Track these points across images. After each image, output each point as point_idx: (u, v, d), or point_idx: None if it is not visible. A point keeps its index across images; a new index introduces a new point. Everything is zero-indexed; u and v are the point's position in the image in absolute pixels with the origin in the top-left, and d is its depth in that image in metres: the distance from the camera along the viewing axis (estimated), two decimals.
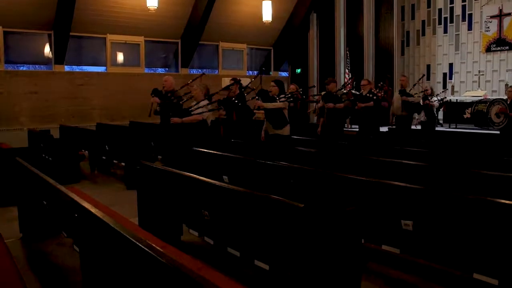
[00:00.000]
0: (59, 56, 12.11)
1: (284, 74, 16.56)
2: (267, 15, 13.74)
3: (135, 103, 12.24)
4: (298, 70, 16.12)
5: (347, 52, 14.73)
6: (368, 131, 8.53)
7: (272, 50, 16.10)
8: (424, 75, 13.05)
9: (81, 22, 12.04)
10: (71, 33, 12.06)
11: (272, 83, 7.31)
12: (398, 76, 12.95)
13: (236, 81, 7.67)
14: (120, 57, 13.33)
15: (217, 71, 14.80)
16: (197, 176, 3.82)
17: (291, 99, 7.35)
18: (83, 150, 8.82)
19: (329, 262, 2.89)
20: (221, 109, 6.92)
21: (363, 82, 9.12)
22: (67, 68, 12.48)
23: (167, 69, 14.37)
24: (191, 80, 7.44)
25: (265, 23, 13.84)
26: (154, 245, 1.96)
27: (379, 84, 9.63)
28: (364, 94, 8.80)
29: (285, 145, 6.77)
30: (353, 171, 4.47)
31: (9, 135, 10.66)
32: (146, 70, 13.44)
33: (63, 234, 3.99)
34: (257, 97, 7.23)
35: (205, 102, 6.53)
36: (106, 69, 12.89)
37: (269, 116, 7.07)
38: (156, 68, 14.28)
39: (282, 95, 7.10)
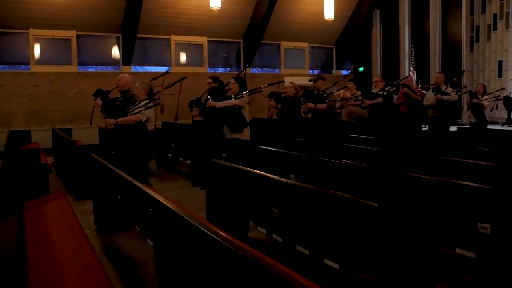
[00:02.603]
0: (127, 57, 12.59)
1: (346, 72, 16.32)
2: (329, 13, 13.61)
3: None
4: (361, 69, 15.86)
5: (412, 49, 14.30)
6: (381, 130, 7.82)
7: (334, 49, 15.92)
8: (461, 74, 12.11)
9: (147, 24, 12.46)
10: (137, 35, 12.50)
11: (232, 80, 6.51)
12: (469, 75, 12.40)
13: (214, 79, 7.20)
14: (183, 57, 13.65)
15: (278, 70, 14.82)
16: (267, 174, 3.83)
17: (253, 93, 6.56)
18: None
19: (402, 264, 2.80)
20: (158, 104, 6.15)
21: (375, 79, 8.61)
22: (133, 68, 12.93)
23: (228, 68, 14.55)
24: (150, 79, 6.92)
25: (327, 21, 13.71)
26: (233, 240, 1.98)
27: (397, 81, 9.06)
28: (375, 92, 8.26)
29: (245, 151, 6.03)
30: (418, 170, 4.31)
31: (81, 132, 11.21)
32: (208, 70, 13.68)
33: (136, 228, 4.12)
34: (209, 97, 6.59)
35: (145, 101, 5.82)
36: (170, 69, 13.22)
37: (225, 117, 6.32)
38: (217, 68, 14.49)
39: (240, 94, 6.30)
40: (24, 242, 3.43)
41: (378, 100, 8.09)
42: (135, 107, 5.68)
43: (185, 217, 2.34)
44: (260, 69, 14.99)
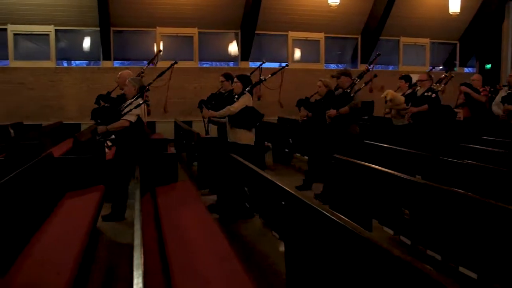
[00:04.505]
0: (245, 53, 12.93)
1: (470, 70, 15.24)
2: (454, 6, 12.75)
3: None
4: (488, 66, 14.68)
5: None
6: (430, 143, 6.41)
7: (458, 44, 14.92)
8: None
9: (265, 21, 12.68)
10: (256, 31, 12.77)
11: (235, 79, 5.89)
12: None
13: (227, 77, 6.65)
14: (299, 53, 13.69)
15: (397, 67, 14.27)
16: (399, 174, 3.69)
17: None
18: (266, 142, 9.25)
19: None
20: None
21: (420, 77, 7.06)
22: (251, 64, 13.25)
23: (344, 65, 14.32)
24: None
25: (451, 15, 12.88)
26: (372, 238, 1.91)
27: (444, 75, 7.46)
28: (419, 94, 6.92)
29: (246, 156, 5.24)
30: None
31: (200, 125, 11.72)
32: (325, 66, 13.58)
33: (260, 220, 4.20)
34: (208, 106, 6.04)
35: (134, 99, 5.30)
36: (287, 65, 13.32)
37: (231, 118, 5.64)
38: (330, 64, 14.30)
39: (242, 93, 5.67)
40: (160, 225, 3.65)
41: (423, 108, 6.80)
42: (125, 105, 5.30)
43: (328, 214, 2.32)
44: (378, 66, 14.51)
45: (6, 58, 11.89)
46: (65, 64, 12.60)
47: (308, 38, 13.49)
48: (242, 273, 2.55)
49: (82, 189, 5.02)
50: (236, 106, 5.54)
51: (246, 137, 5.60)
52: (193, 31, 12.78)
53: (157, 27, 12.53)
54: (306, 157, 7.62)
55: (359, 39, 13.88)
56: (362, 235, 2.00)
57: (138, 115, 5.22)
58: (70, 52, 12.62)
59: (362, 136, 6.41)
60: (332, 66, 14.32)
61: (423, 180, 4.89)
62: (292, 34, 13.28)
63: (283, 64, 13.30)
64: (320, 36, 13.45)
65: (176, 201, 4.47)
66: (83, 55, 12.74)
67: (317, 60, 13.55)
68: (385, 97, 7.56)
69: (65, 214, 4.10)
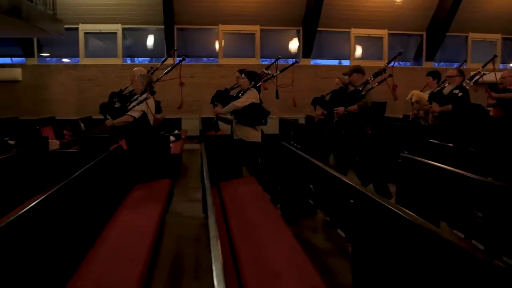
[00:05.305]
0: (307, 51, 12.86)
1: None
2: None
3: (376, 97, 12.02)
4: None
5: None
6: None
7: None
8: None
9: (327, 18, 12.57)
10: (318, 28, 12.68)
11: (242, 75, 5.68)
12: None
13: (242, 73, 6.29)
14: (361, 50, 13.46)
15: (464, 65, 13.69)
16: (471, 175, 3.54)
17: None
18: None
19: None
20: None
21: (449, 73, 6.44)
22: (312, 61, 13.19)
23: (408, 62, 13.94)
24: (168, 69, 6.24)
25: None
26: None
27: (478, 72, 6.66)
28: (447, 91, 6.34)
29: (251, 156, 5.20)
30: None
31: None
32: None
33: (325, 217, 4.17)
34: (215, 103, 5.87)
35: (142, 96, 5.26)
36: (349, 63, 13.18)
37: (237, 114, 5.50)
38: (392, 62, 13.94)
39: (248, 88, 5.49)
40: (227, 219, 3.71)
41: (446, 108, 6.34)
42: (132, 102, 5.29)
43: (403, 214, 2.27)
44: (443, 63, 14.01)
45: (77, 55, 12.52)
46: (128, 61, 13.06)
47: (371, 35, 13.24)
48: (310, 267, 2.54)
49: (150, 182, 5.18)
50: (241, 101, 5.49)
51: (251, 134, 5.53)
52: (255, 28, 12.88)
53: (220, 25, 12.72)
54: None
55: (424, 36, 13.46)
56: (442, 236, 1.94)
57: (143, 111, 5.19)
58: (135, 49, 13.10)
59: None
60: (397, 64, 13.94)
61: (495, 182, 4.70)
62: (354, 31, 13.09)
63: (344, 62, 13.24)
64: (383, 33, 13.17)
65: (241, 195, 4.52)
66: (147, 53, 13.18)
67: (380, 57, 13.26)
68: (411, 99, 7.22)
69: (134, 206, 4.25)
